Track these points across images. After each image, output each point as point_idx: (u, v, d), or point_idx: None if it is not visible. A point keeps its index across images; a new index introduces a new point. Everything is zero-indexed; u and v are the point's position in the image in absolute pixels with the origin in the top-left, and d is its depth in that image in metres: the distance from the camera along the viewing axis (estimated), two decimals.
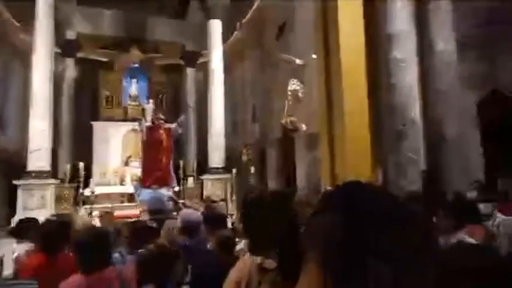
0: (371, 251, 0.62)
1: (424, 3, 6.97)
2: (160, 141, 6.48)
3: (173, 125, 6.88)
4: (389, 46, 6.56)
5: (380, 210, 0.64)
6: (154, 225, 4.02)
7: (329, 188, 6.33)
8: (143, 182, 6.38)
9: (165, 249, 2.34)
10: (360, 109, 6.69)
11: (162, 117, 6.77)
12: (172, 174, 6.78)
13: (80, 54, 14.33)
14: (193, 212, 3.22)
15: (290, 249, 1.16)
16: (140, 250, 2.48)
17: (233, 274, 1.39)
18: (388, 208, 0.65)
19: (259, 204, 1.49)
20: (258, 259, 1.33)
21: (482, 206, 3.22)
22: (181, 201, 7.18)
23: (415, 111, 6.50)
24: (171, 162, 6.87)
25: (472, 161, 6.71)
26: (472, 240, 2.46)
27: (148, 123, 6.73)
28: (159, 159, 6.42)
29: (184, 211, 3.24)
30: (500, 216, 3.39)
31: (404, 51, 6.57)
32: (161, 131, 6.52)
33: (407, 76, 6.45)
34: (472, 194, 4.47)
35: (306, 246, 0.70)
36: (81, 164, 10.63)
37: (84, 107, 14.23)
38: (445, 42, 6.93)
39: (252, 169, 9.63)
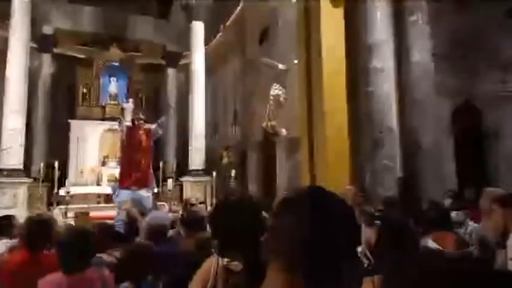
0: (341, 253, 0.66)
1: (403, 15, 7.20)
2: (140, 141, 6.38)
3: (153, 126, 6.80)
4: (368, 55, 6.73)
5: (336, 212, 0.69)
6: (121, 230, 3.97)
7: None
8: (121, 182, 6.25)
9: (142, 249, 2.35)
10: (340, 115, 6.84)
11: (143, 117, 6.68)
12: (152, 175, 6.70)
13: (57, 50, 13.95)
14: (161, 216, 3.13)
15: (257, 253, 1.29)
16: (100, 254, 2.47)
17: (199, 274, 1.42)
18: (342, 210, 0.70)
19: (229, 209, 1.55)
20: (225, 260, 1.37)
21: (454, 214, 3.36)
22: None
23: (392, 119, 6.69)
24: (151, 163, 6.79)
25: (446, 169, 6.97)
26: (435, 246, 2.55)
27: (128, 123, 6.62)
28: (139, 160, 6.32)
29: (152, 214, 3.15)
30: (472, 225, 3.55)
31: (383, 61, 6.75)
32: (141, 132, 6.43)
33: (385, 85, 6.63)
34: (446, 202, 4.64)
35: (268, 250, 0.72)
36: (56, 163, 10.34)
37: (60, 105, 13.84)
38: (421, 53, 7.17)
39: (233, 172, 9.64)
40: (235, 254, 1.38)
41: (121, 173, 6.52)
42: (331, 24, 7.14)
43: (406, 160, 6.85)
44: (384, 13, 6.88)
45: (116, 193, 6.19)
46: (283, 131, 8.71)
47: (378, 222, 2.79)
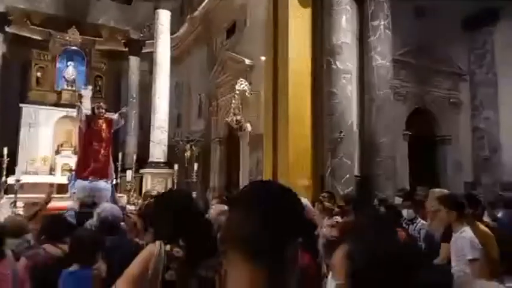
0: (287, 237, 0.74)
1: (366, 19, 7.48)
2: (99, 131, 6.13)
3: (115, 116, 6.55)
4: (332, 57, 6.94)
5: (281, 202, 0.76)
6: (73, 221, 3.85)
7: None
8: (79, 172, 5.99)
9: (92, 236, 2.34)
10: (304, 113, 7.02)
11: (104, 106, 6.42)
12: (112, 167, 6.48)
13: (9, 30, 13.01)
14: (113, 207, 3.07)
15: (196, 240, 1.45)
16: (46, 245, 2.43)
17: (139, 259, 1.47)
18: (287, 200, 0.77)
19: (166, 200, 1.67)
20: (168, 247, 1.44)
21: (405, 212, 3.59)
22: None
23: (353, 120, 6.97)
24: (110, 154, 6.56)
25: (399, 169, 7.37)
26: None
27: (88, 111, 6.34)
28: (98, 150, 6.07)
29: (103, 206, 3.08)
30: (421, 221, 3.81)
31: (346, 63, 6.99)
32: (101, 121, 6.18)
33: (348, 87, 6.88)
34: (397, 200, 4.93)
35: (226, 243, 0.77)
36: (5, 149, 9.69)
37: (11, 87, 12.95)
38: (381, 58, 7.50)
39: (195, 165, 9.56)
40: (175, 241, 1.47)
41: (78, 163, 6.24)
42: (299, 24, 7.28)
43: (363, 159, 7.18)
44: (348, 17, 7.11)
45: (72, 183, 5.94)
46: (248, 126, 8.76)
47: (337, 217, 2.93)
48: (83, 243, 2.25)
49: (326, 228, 2.51)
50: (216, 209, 3.29)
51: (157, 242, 1.50)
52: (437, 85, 9.00)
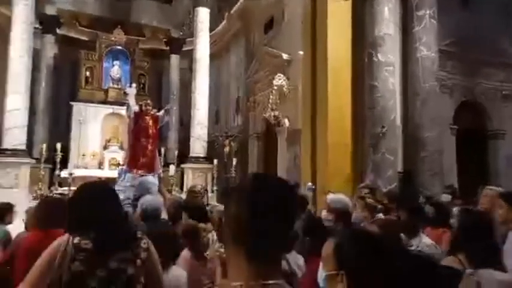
0: (279, 229, 0.79)
1: (411, 9, 7.17)
2: (147, 128, 6.42)
3: (161, 112, 6.82)
4: (374, 49, 6.73)
5: (273, 193, 0.80)
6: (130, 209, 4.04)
7: (309, 183, 6.50)
8: (128, 166, 6.30)
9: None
10: (344, 108, 6.89)
11: (151, 104, 6.69)
12: (158, 161, 6.78)
13: (60, 31, 13.84)
14: (154, 199, 3.21)
15: (106, 233, 1.49)
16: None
17: (47, 251, 1.52)
18: (278, 192, 0.81)
19: (78, 193, 1.72)
20: (77, 239, 1.48)
21: (455, 211, 3.42)
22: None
23: (396, 114, 6.73)
24: (157, 149, 6.87)
25: (446, 165, 7.04)
26: (430, 242, 2.61)
27: (136, 108, 6.62)
28: (145, 146, 6.36)
29: (144, 198, 3.23)
30: None
31: (388, 55, 6.76)
32: (148, 118, 6.45)
33: (390, 79, 6.65)
34: (445, 198, 4.71)
35: (225, 237, 0.82)
36: (59, 145, 10.38)
37: (63, 87, 13.80)
38: (427, 49, 7.17)
39: (234, 160, 9.69)
40: (85, 233, 1.50)
41: (128, 158, 6.55)
42: (338, 17, 7.12)
43: (407, 155, 6.93)
44: (391, 7, 6.85)
45: (123, 177, 6.25)
46: (286, 122, 8.74)
47: (380, 215, 2.86)
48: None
49: (367, 226, 2.47)
50: None
51: (67, 234, 1.54)
52: (488, 77, 8.46)
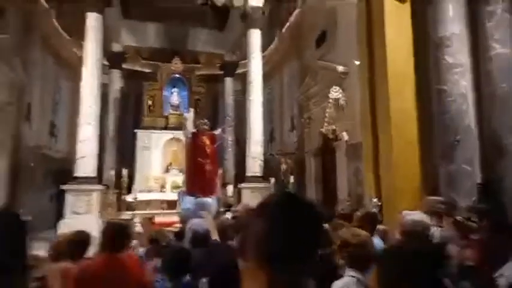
0: (304, 252, 0.78)
1: (479, 4, 6.52)
2: (204, 147, 6.38)
3: (218, 131, 6.78)
4: (440, 50, 6.17)
5: (301, 216, 0.78)
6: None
7: (374, 199, 6.02)
8: (188, 189, 6.30)
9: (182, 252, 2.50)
10: (408, 118, 6.34)
11: (207, 122, 6.68)
12: (218, 182, 6.67)
13: (125, 66, 14.94)
14: (201, 223, 3.14)
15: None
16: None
17: None
18: (307, 214, 0.79)
19: None
20: None
21: None
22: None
23: (470, 119, 6.04)
24: (217, 169, 6.73)
25: None
26: None
27: (193, 129, 6.66)
28: (204, 166, 6.32)
29: (192, 221, 3.18)
30: None
31: (457, 56, 6.15)
32: (205, 137, 6.43)
33: (461, 82, 6.01)
34: None
35: (247, 253, 0.79)
36: (125, 171, 10.96)
37: (128, 116, 14.77)
38: (502, 46, 6.42)
39: (292, 178, 9.42)
40: None
41: (187, 180, 6.56)
42: (396, 21, 6.69)
43: (486, 164, 6.13)
44: (456, 3, 6.28)
45: (182, 199, 6.28)
46: (345, 135, 8.32)
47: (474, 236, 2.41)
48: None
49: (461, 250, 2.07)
50: None
51: None
52: None
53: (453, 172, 5.68)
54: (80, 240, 2.82)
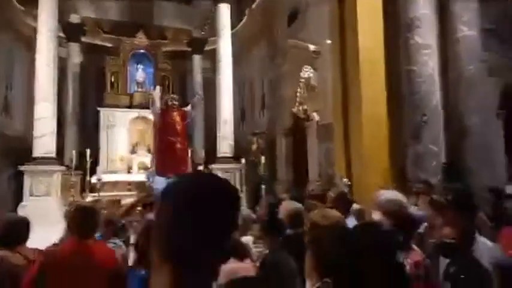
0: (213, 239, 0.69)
1: None
2: (174, 124, 6.01)
3: (188, 107, 6.43)
4: (410, 31, 6.23)
5: (211, 198, 0.69)
6: None
7: (344, 179, 6.10)
8: (158, 169, 5.96)
9: None
10: (378, 98, 6.41)
11: (176, 98, 6.31)
12: (189, 160, 6.40)
13: (84, 39, 14.02)
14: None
15: None
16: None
17: None
18: (218, 196, 0.70)
19: None
20: None
21: None
22: None
23: (436, 100, 6.20)
24: (187, 147, 6.43)
25: (495, 153, 6.42)
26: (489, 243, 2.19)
27: (161, 105, 6.24)
28: (174, 144, 5.97)
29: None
30: None
31: (426, 37, 6.24)
32: (175, 113, 6.07)
33: (430, 63, 6.13)
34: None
35: (153, 244, 0.71)
36: (88, 151, 10.46)
37: (89, 93, 13.99)
38: (468, 28, 6.58)
39: (263, 159, 9.39)
40: None
41: (157, 159, 6.23)
42: (367, 1, 6.66)
43: (451, 144, 6.37)
44: None
45: (151, 180, 6.00)
46: (315, 116, 8.33)
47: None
48: None
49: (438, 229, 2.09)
50: (286, 207, 3.01)
51: None
52: None
53: (420, 152, 5.85)
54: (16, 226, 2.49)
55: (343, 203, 3.00)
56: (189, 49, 15.35)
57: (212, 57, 13.20)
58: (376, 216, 2.63)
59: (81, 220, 2.29)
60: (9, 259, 2.27)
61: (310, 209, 2.68)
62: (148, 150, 12.04)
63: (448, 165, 5.92)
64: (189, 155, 6.43)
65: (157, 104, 6.28)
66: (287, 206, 2.96)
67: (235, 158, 10.93)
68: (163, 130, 5.96)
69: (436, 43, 6.54)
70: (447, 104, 6.42)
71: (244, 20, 13.46)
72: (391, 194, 2.70)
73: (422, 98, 5.94)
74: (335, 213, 2.02)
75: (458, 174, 5.73)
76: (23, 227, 2.47)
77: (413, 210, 2.58)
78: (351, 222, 2.60)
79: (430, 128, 5.86)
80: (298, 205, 2.98)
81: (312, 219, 1.87)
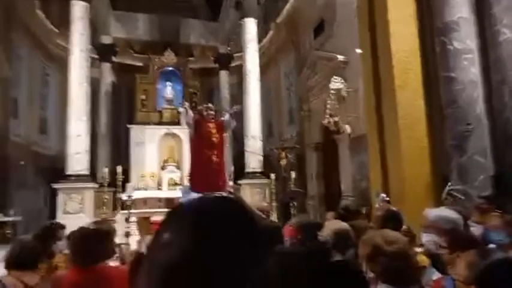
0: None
1: None
2: (209, 136, 5.40)
3: (226, 117, 5.77)
4: (447, 36, 5.87)
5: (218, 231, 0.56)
6: None
7: (382, 194, 5.74)
8: (192, 185, 5.47)
9: None
10: (415, 107, 6.07)
11: (213, 107, 5.74)
12: (227, 176, 5.86)
13: (116, 59, 14.46)
14: None
15: None
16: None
17: None
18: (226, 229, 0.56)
19: None
20: None
21: None
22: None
23: (480, 108, 5.77)
24: (224, 161, 5.81)
25: None
26: None
27: (195, 116, 5.64)
28: (209, 158, 5.37)
29: None
30: None
31: (465, 42, 5.86)
32: (211, 125, 5.50)
33: (471, 68, 5.73)
34: None
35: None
36: (119, 168, 10.58)
37: (121, 111, 14.33)
38: (510, 31, 6.13)
39: (293, 174, 9.13)
40: None
41: (191, 174, 5.71)
42: (399, 6, 6.39)
43: (498, 155, 5.88)
44: None
45: (186, 196, 5.55)
46: (348, 128, 8.02)
47: None
48: None
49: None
50: (331, 226, 2.75)
51: None
52: None
53: (465, 163, 5.42)
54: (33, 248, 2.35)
55: (393, 223, 2.66)
56: (216, 65, 15.49)
57: (238, 73, 13.22)
58: (428, 237, 2.35)
59: (82, 245, 2.10)
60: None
61: (360, 230, 2.43)
62: (178, 167, 12.07)
63: (497, 178, 5.44)
64: (227, 169, 5.88)
65: (190, 112, 5.74)
66: (332, 225, 2.70)
67: (265, 173, 10.73)
68: (198, 142, 5.41)
69: (478, 47, 6.14)
70: (491, 111, 5.96)
71: (270, 34, 13.43)
72: (446, 212, 2.43)
73: (464, 106, 5.53)
74: (399, 236, 1.77)
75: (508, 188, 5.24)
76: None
77: (474, 229, 2.28)
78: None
79: (474, 139, 5.43)
80: (345, 224, 2.70)
81: (374, 242, 1.62)
